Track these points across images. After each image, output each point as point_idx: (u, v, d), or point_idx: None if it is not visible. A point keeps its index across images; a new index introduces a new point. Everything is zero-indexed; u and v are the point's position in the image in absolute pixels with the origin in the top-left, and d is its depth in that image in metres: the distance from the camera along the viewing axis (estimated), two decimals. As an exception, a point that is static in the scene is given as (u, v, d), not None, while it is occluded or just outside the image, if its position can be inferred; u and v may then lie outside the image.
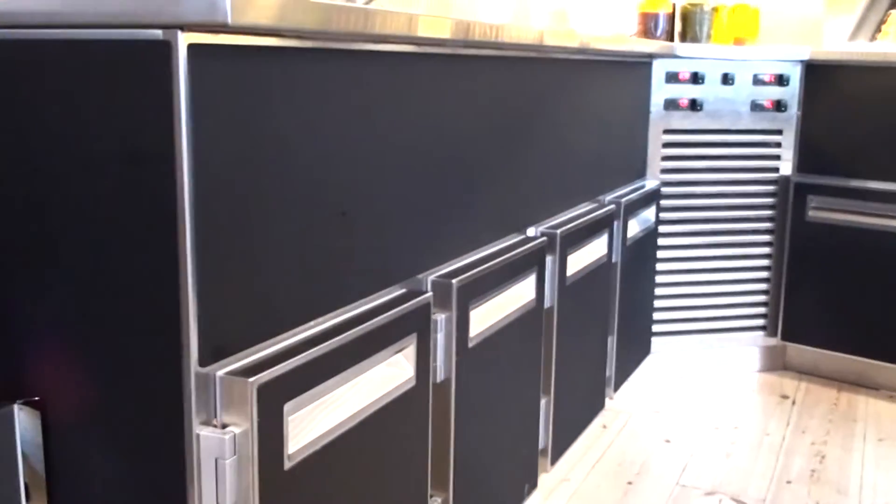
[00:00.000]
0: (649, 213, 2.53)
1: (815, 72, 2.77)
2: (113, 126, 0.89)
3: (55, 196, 0.94)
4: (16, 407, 1.02)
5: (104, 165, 0.90)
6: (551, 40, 1.69)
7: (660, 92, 2.65)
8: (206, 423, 0.96)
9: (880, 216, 2.68)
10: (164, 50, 0.84)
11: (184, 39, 0.84)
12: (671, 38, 2.89)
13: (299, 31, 0.96)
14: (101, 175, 0.91)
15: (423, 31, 1.22)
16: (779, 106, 2.76)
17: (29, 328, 1.00)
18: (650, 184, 2.60)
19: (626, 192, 2.37)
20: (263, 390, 0.97)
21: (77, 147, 0.91)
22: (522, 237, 1.74)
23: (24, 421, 1.03)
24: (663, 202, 2.69)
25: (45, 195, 0.95)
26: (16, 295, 0.99)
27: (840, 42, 3.24)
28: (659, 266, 2.72)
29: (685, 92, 2.68)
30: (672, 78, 2.66)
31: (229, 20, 0.81)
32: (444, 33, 1.28)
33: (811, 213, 2.78)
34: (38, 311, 0.98)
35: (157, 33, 0.84)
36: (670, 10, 2.89)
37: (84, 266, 0.94)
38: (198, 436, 0.94)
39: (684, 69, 2.67)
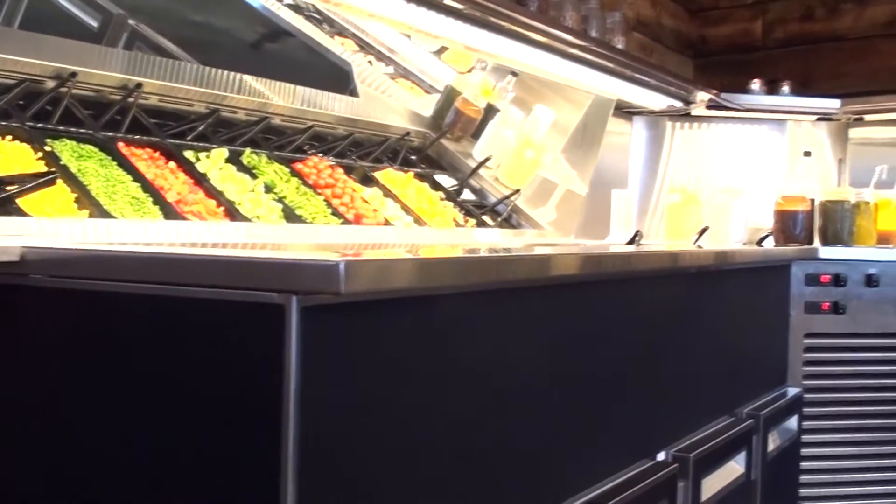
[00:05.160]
0: (791, 424, 2.38)
1: (970, 272, 2.62)
2: (222, 379, 0.90)
3: (162, 439, 0.94)
4: None
5: (210, 417, 0.90)
6: (684, 261, 1.66)
7: (800, 295, 2.55)
8: None
9: None
10: (278, 312, 0.85)
11: (297, 303, 0.84)
12: (811, 236, 2.80)
13: (409, 290, 0.97)
14: (205, 427, 0.91)
15: (554, 272, 1.21)
16: (930, 309, 2.61)
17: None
18: (792, 391, 2.46)
19: (765, 403, 2.25)
20: None
21: (186, 396, 0.92)
22: (652, 463, 1.65)
23: None
24: (807, 410, 2.53)
25: (152, 438, 0.95)
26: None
27: None
28: (803, 478, 2.54)
29: (827, 295, 2.57)
30: (812, 280, 2.56)
31: (342, 289, 0.82)
32: (573, 270, 1.27)
33: (972, 425, 2.56)
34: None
35: (273, 296, 0.85)
36: (809, 208, 2.81)
37: (191, 517, 0.93)
38: None
39: (825, 271, 2.57)
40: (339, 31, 2.62)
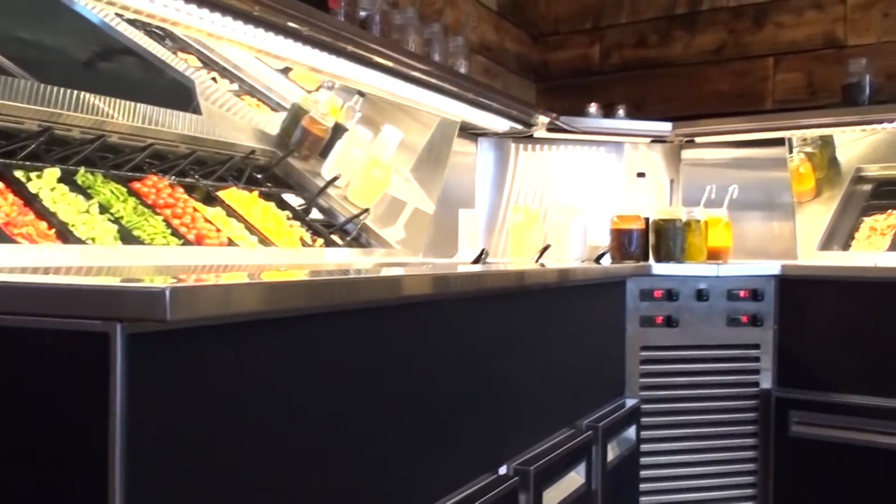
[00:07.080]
0: (630, 433, 2.48)
1: (790, 285, 2.80)
2: (45, 412, 0.87)
3: (-12, 480, 0.91)
4: None
5: (33, 452, 0.87)
6: (530, 280, 1.71)
7: (635, 309, 2.66)
8: None
9: (862, 431, 2.63)
10: (102, 341, 0.83)
11: (122, 331, 0.83)
12: (645, 253, 2.93)
13: (244, 316, 0.96)
14: (28, 463, 0.88)
15: (392, 293, 1.22)
16: (755, 320, 2.78)
17: None
18: (630, 402, 2.57)
19: (604, 414, 2.33)
20: None
21: (7, 431, 0.89)
22: (494, 477, 1.69)
23: None
24: (644, 420, 2.64)
25: (-22, 479, 0.91)
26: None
27: (813, 253, 3.29)
28: (643, 486, 2.64)
29: (660, 309, 2.69)
30: (647, 296, 2.68)
31: (168, 316, 0.81)
32: (422, 290, 1.29)
33: (794, 429, 2.73)
34: None
35: (97, 324, 0.83)
36: (643, 226, 2.94)
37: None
38: None
39: (659, 286, 2.69)
40: (181, 46, 2.57)
